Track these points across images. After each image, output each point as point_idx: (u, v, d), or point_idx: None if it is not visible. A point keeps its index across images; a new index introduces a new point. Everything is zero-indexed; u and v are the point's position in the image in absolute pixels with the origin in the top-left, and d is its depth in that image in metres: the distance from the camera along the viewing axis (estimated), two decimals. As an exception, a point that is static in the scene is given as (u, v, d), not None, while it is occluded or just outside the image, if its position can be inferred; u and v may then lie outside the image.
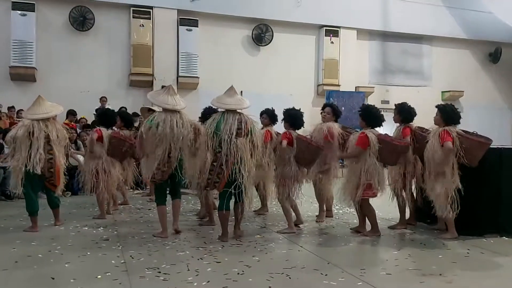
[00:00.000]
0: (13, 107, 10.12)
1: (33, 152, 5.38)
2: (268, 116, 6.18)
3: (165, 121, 4.99)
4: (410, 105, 5.69)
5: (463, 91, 15.03)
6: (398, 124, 5.73)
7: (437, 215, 5.23)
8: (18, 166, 5.35)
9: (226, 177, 4.83)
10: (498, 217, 5.36)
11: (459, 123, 5.22)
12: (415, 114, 5.66)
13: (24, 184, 5.37)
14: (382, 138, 5.16)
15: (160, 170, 4.99)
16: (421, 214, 5.82)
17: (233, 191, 4.89)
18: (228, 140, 4.81)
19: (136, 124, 8.10)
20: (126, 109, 9.55)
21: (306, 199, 6.55)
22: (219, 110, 5.17)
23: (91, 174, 6.12)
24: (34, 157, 5.36)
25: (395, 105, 5.79)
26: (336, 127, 5.91)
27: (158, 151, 4.96)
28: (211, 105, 5.12)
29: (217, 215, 5.12)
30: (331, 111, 6.03)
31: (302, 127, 5.70)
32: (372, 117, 5.33)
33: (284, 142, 5.34)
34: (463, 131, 5.20)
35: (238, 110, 5.04)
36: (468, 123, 7.46)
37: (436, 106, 5.34)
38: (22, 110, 9.52)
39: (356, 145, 5.19)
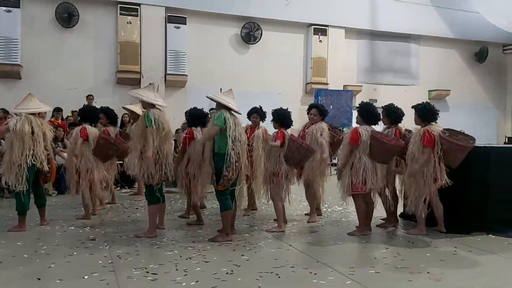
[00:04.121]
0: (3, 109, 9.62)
1: (38, 148, 5.34)
2: (259, 115, 6.22)
3: (165, 120, 5.03)
4: (396, 106, 5.71)
5: (449, 90, 15.18)
6: (386, 126, 5.74)
7: (414, 213, 5.29)
8: (21, 162, 5.21)
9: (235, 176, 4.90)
10: (486, 215, 5.41)
11: (436, 119, 5.30)
12: (402, 115, 5.68)
13: (21, 181, 5.23)
14: (373, 135, 5.18)
15: (162, 171, 5.00)
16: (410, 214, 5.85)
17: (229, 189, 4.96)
18: (240, 139, 4.86)
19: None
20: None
21: (294, 198, 6.54)
22: (217, 109, 5.11)
23: (74, 174, 6.05)
24: (40, 154, 5.35)
25: (382, 107, 5.81)
26: (325, 128, 5.95)
27: (165, 150, 5.02)
28: (216, 99, 5.01)
29: (223, 215, 4.99)
30: (317, 112, 6.05)
31: (291, 126, 5.72)
32: (369, 114, 5.37)
33: (278, 142, 5.39)
34: (449, 130, 5.24)
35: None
36: (454, 121, 7.55)
37: (412, 107, 5.42)
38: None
39: (349, 143, 5.22)
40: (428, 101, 5.90)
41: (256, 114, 6.26)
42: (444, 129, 5.22)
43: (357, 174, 5.13)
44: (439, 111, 5.40)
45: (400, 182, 5.74)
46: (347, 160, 5.24)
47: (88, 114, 6.38)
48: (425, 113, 5.28)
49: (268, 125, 6.07)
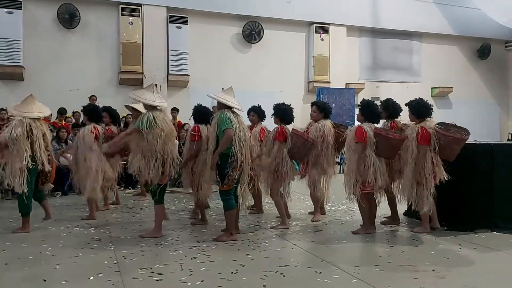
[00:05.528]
0: (4, 108, 9.51)
1: (38, 150, 5.34)
2: (256, 113, 6.22)
3: (165, 120, 5.02)
4: (395, 101, 5.74)
5: (452, 87, 15.13)
6: (385, 120, 5.77)
7: (418, 211, 5.27)
8: (23, 165, 5.20)
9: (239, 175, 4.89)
10: (490, 213, 5.40)
11: (430, 115, 5.32)
12: (400, 110, 5.72)
13: (23, 183, 5.23)
14: (377, 132, 5.19)
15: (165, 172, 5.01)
16: (413, 211, 5.85)
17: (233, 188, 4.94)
18: (244, 139, 4.85)
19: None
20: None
21: (298, 197, 6.55)
22: (216, 107, 5.12)
23: (77, 174, 6.06)
24: (41, 155, 5.35)
25: (380, 101, 5.83)
26: (328, 125, 5.93)
27: (168, 150, 5.02)
28: (216, 98, 5.01)
29: (227, 214, 4.97)
30: (317, 108, 6.04)
31: (292, 123, 5.73)
32: (370, 112, 5.37)
33: (275, 147, 5.42)
34: (441, 123, 5.26)
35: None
36: (457, 118, 7.53)
37: (406, 104, 5.44)
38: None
39: (358, 142, 5.14)
40: (429, 98, 5.92)
41: (253, 112, 6.25)
42: (437, 123, 5.25)
43: (368, 172, 5.12)
44: (433, 106, 5.42)
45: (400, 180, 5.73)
46: (360, 158, 5.15)
47: (95, 112, 6.39)
48: (418, 109, 5.31)
49: (269, 121, 6.06)
